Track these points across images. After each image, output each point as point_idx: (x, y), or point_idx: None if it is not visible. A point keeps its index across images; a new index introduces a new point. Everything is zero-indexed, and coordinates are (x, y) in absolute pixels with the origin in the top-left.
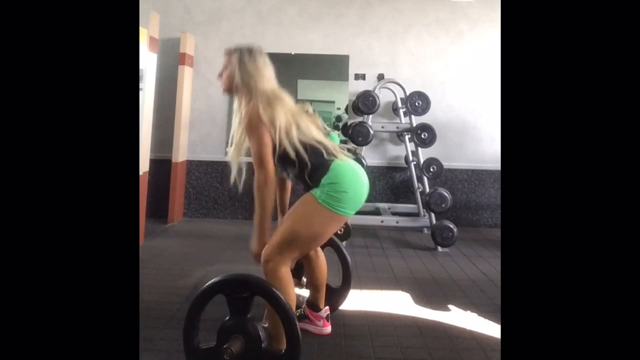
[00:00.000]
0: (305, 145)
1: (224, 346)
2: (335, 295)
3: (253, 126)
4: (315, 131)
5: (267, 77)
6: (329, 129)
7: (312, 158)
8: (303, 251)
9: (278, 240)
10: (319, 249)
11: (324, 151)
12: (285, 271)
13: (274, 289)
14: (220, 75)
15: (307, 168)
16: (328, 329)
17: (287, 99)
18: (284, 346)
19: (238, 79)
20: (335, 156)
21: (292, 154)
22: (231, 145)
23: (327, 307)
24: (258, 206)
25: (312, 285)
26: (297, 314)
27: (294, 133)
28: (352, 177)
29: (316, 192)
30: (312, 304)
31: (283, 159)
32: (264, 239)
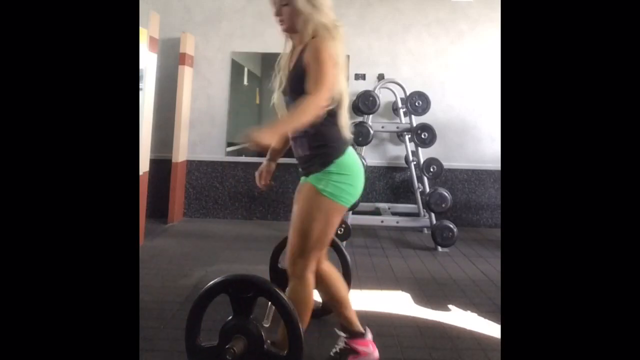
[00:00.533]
0: (338, 100)
1: (227, 346)
2: None
3: (330, 55)
4: (345, 92)
5: (327, 7)
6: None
7: (336, 120)
8: (322, 247)
9: (294, 244)
10: (325, 260)
11: (344, 139)
12: (311, 276)
13: (277, 290)
14: (278, 13)
15: (330, 126)
16: (376, 352)
17: (341, 35)
18: None
19: (303, 11)
20: (347, 143)
21: (339, 95)
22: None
23: (367, 327)
24: (298, 115)
25: (335, 305)
26: (332, 354)
27: (342, 80)
28: (359, 169)
29: (318, 181)
30: (347, 330)
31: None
32: (276, 132)
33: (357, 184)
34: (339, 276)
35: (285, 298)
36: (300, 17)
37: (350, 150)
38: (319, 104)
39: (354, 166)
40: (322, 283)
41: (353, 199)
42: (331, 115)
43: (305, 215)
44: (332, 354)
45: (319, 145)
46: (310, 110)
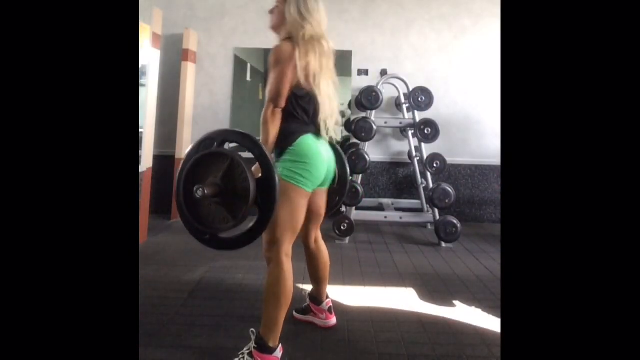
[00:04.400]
0: (308, 97)
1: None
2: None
3: (277, 59)
4: (327, 91)
5: (317, 20)
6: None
7: (297, 117)
8: (292, 231)
9: (267, 232)
10: (322, 244)
11: (310, 116)
12: (286, 260)
13: (260, 143)
14: (271, 11)
15: (288, 123)
16: (333, 320)
17: (325, 47)
18: (270, 340)
19: (289, 16)
20: (311, 129)
21: (292, 103)
22: None
23: (329, 300)
24: (262, 140)
25: (314, 279)
26: (303, 307)
27: (316, 82)
28: (313, 153)
29: (278, 169)
30: (314, 298)
31: (290, 100)
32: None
33: (314, 169)
34: (324, 261)
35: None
36: (285, 21)
37: (306, 138)
38: (267, 116)
39: (308, 152)
40: (310, 259)
41: (313, 183)
42: (292, 116)
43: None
44: (303, 306)
45: (278, 139)
46: (263, 125)
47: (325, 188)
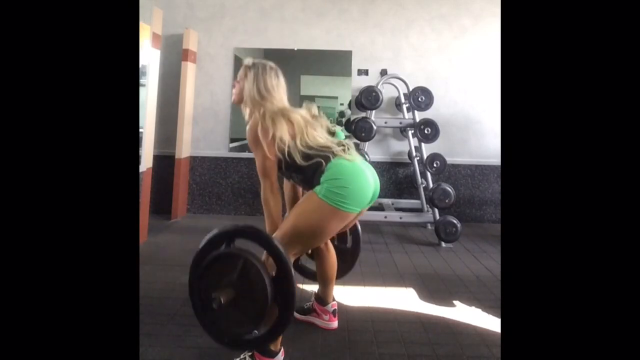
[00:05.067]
0: (309, 154)
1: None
2: (345, 256)
3: (253, 140)
4: (320, 137)
5: (277, 98)
6: (336, 127)
7: (315, 160)
8: (305, 247)
9: (279, 236)
10: (330, 244)
11: (329, 155)
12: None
13: (273, 239)
14: (234, 86)
15: (308, 173)
16: (334, 323)
17: (296, 114)
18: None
19: (247, 95)
20: (337, 155)
21: (298, 161)
22: None
23: (335, 302)
24: (266, 217)
25: (321, 280)
26: (304, 307)
27: (298, 142)
28: (354, 172)
29: (317, 188)
30: (320, 298)
31: (288, 167)
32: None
33: (353, 184)
34: (332, 261)
35: (279, 245)
36: (248, 98)
37: (335, 161)
38: (266, 195)
39: (344, 171)
40: (318, 259)
41: (352, 204)
42: (306, 169)
43: (301, 212)
44: (304, 306)
45: (308, 184)
46: (268, 207)
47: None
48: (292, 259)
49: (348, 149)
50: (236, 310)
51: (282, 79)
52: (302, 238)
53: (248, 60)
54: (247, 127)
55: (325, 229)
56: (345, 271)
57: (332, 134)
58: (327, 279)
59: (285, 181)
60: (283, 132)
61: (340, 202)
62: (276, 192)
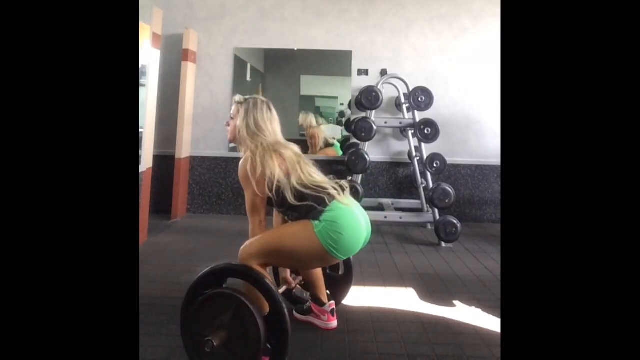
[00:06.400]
0: (303, 193)
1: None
2: (337, 285)
3: (243, 177)
4: (316, 174)
5: (270, 131)
6: (332, 141)
7: (311, 200)
8: (277, 264)
9: (260, 243)
10: None
11: (324, 197)
12: (255, 263)
13: (265, 278)
14: (228, 124)
15: (302, 212)
16: (334, 323)
17: (287, 150)
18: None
19: (239, 132)
20: (335, 198)
21: (290, 200)
22: None
23: (332, 302)
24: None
25: (308, 282)
26: (304, 307)
27: (293, 180)
28: (352, 221)
29: (317, 223)
30: (316, 299)
31: (281, 205)
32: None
33: (348, 232)
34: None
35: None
36: (241, 134)
37: (337, 203)
38: (254, 233)
39: (344, 217)
40: None
41: (341, 252)
42: (282, 203)
43: (293, 234)
44: (304, 306)
45: (298, 217)
46: (253, 237)
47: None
48: (258, 266)
49: (344, 190)
50: (229, 352)
51: (274, 112)
52: (281, 256)
53: (239, 97)
54: (240, 164)
55: (307, 261)
56: (339, 299)
57: (331, 145)
58: (313, 282)
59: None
60: (274, 168)
61: (332, 247)
62: (264, 229)
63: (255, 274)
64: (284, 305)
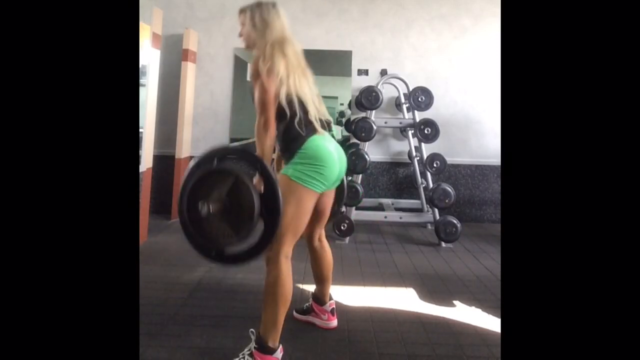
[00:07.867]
0: (291, 102)
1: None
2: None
3: (254, 73)
4: (306, 88)
5: (276, 27)
6: (330, 118)
7: (292, 120)
8: (295, 232)
9: (278, 240)
10: (326, 243)
11: (302, 116)
12: (285, 261)
13: (262, 159)
14: (241, 35)
15: (287, 129)
16: (334, 322)
17: (290, 49)
18: (270, 340)
19: (252, 35)
20: (313, 128)
21: (283, 105)
22: None
23: (333, 302)
24: (258, 152)
25: (318, 279)
26: (304, 307)
27: (291, 84)
28: (326, 154)
29: (288, 170)
30: (317, 298)
31: (281, 118)
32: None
33: (327, 170)
34: (328, 260)
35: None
36: (252, 37)
37: (314, 139)
38: (259, 129)
39: (320, 154)
40: (314, 258)
41: (324, 185)
42: (287, 121)
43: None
44: (304, 306)
45: (282, 146)
46: (257, 138)
47: (333, 188)
48: (289, 251)
49: (324, 127)
50: (223, 222)
51: (280, 11)
52: (289, 225)
53: (241, 7)
54: (252, 68)
55: (305, 209)
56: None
57: (329, 128)
58: (323, 277)
59: None
60: (279, 66)
61: (311, 183)
62: (269, 128)
63: (250, 154)
64: (278, 185)
